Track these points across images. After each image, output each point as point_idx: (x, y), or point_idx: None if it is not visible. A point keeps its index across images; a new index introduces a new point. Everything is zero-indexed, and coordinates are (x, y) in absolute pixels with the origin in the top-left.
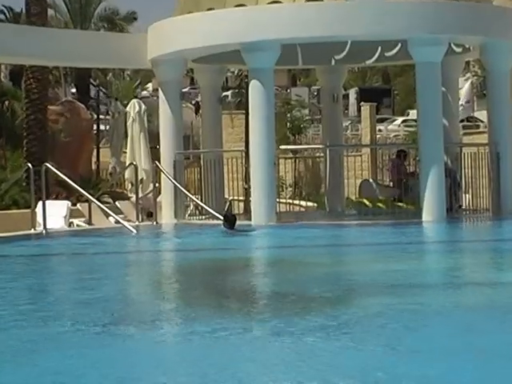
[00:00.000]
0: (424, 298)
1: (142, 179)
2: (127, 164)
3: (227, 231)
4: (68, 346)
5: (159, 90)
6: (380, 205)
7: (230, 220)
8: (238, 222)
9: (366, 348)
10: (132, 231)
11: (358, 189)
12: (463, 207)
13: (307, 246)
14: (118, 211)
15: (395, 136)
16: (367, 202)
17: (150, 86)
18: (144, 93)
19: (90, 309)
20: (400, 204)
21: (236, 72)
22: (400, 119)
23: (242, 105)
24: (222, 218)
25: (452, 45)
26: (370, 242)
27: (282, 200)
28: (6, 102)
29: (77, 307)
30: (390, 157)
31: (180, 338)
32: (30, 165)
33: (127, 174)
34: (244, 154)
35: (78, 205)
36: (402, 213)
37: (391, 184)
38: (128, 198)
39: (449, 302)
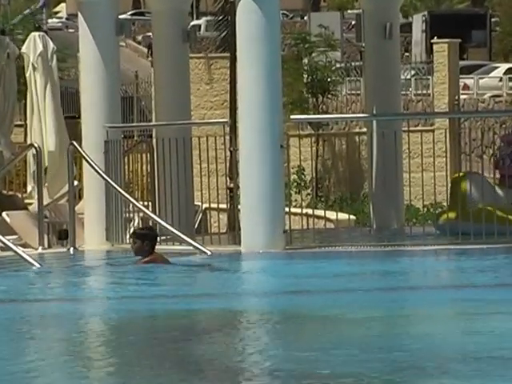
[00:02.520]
0: None
1: (48, 172)
2: (24, 146)
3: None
4: None
5: (79, 16)
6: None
7: (148, 239)
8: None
9: None
10: (33, 264)
11: (453, 188)
12: None
13: (336, 291)
14: (6, 229)
15: (493, 97)
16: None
17: (62, 8)
18: (52, 21)
19: None
20: None
21: None
22: (502, 67)
23: (226, 44)
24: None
25: None
26: (445, 284)
27: (294, 210)
28: None
29: None
30: (496, 133)
31: None
32: None
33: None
34: (229, 129)
35: None
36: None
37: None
38: (25, 207)
39: None
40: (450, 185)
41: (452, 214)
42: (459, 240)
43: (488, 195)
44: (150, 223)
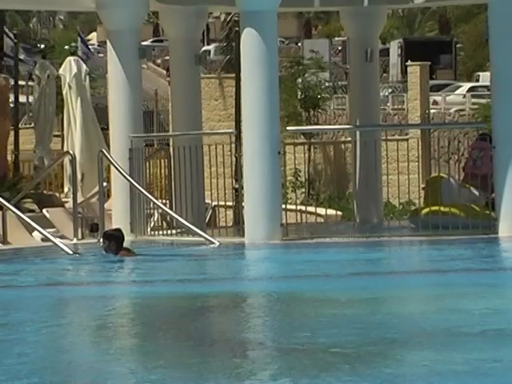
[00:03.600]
0: (498, 351)
1: (82, 176)
2: (61, 153)
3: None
4: None
5: (108, 43)
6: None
7: (115, 238)
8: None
9: None
10: (68, 253)
11: (427, 189)
12: None
13: (326, 276)
14: (46, 223)
15: (458, 111)
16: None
17: (93, 37)
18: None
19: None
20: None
21: (223, 18)
22: (465, 86)
23: (231, 66)
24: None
25: None
26: (419, 269)
27: (289, 206)
28: None
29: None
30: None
31: None
32: None
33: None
34: (234, 139)
35: None
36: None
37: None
38: (62, 204)
39: None
40: (425, 185)
41: (426, 210)
42: (430, 232)
43: (457, 195)
44: (168, 218)
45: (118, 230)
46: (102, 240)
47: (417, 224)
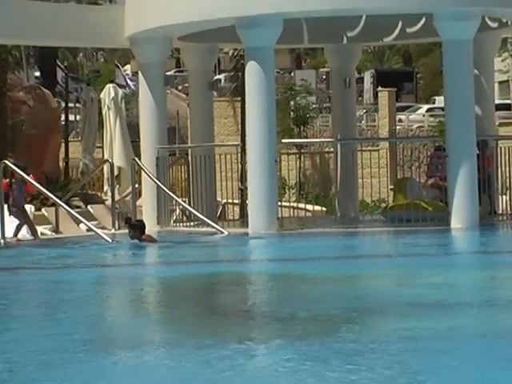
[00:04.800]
0: (450, 320)
1: (118, 179)
2: (102, 161)
3: (136, 241)
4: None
5: (139, 73)
6: (431, 208)
7: (137, 227)
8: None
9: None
10: (107, 241)
11: (396, 188)
12: (498, 212)
13: (313, 258)
14: (90, 217)
15: (419, 127)
16: (425, 205)
17: (128, 68)
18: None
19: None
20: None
21: (231, 53)
22: (424, 107)
23: (239, 91)
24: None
25: (486, 19)
26: (387, 254)
27: (284, 203)
28: None
29: (58, 327)
30: (420, 151)
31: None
32: None
33: (103, 172)
34: (240, 149)
35: (43, 210)
36: (429, 219)
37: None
38: (102, 202)
39: (479, 325)
40: (393, 186)
41: (394, 206)
42: (397, 223)
43: (418, 192)
44: (187, 213)
45: (140, 221)
46: (128, 229)
47: (387, 218)
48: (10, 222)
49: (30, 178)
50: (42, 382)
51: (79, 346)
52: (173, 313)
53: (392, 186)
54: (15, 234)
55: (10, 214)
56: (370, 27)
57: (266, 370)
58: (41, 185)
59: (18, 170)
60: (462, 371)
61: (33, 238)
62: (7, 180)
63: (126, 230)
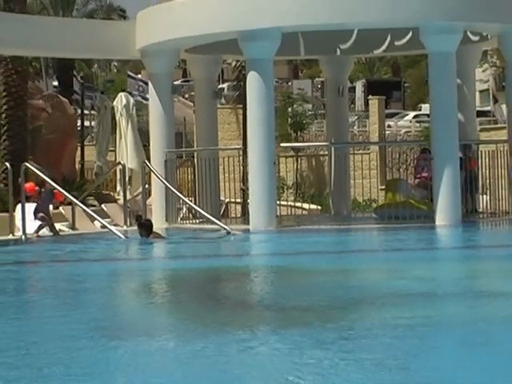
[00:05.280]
0: (434, 309)
1: (130, 180)
2: (115, 164)
3: (144, 239)
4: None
5: (149, 82)
6: (423, 206)
7: (145, 226)
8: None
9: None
10: (120, 237)
11: (387, 188)
12: (480, 210)
13: (309, 252)
14: (104, 215)
15: (406, 132)
16: (416, 204)
17: (139, 77)
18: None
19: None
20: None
21: (234, 63)
22: (411, 114)
23: (241, 99)
24: (138, 225)
25: (468, 33)
26: (377, 249)
27: (282, 202)
28: None
29: (65, 319)
30: (407, 154)
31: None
32: (8, 164)
33: (116, 174)
34: (241, 153)
35: (61, 208)
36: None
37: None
38: (115, 201)
39: (461, 314)
40: (385, 185)
41: (384, 205)
42: (387, 221)
43: (408, 192)
44: (193, 211)
45: (148, 220)
46: (137, 228)
47: (378, 216)
48: (31, 220)
49: (48, 179)
50: (59, 363)
51: (93, 331)
52: (178, 303)
53: (383, 187)
54: (36, 231)
55: (35, 219)
56: (361, 40)
57: (265, 353)
58: (59, 185)
59: (39, 173)
60: (444, 355)
61: (52, 234)
62: (36, 187)
63: (135, 228)
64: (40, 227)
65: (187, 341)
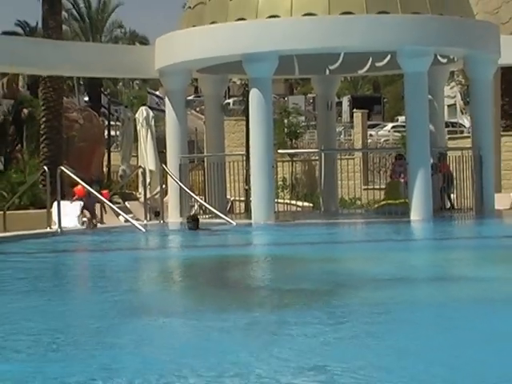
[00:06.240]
0: (409, 291)
1: (150, 181)
2: (136, 167)
3: (193, 230)
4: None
5: (166, 98)
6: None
7: (194, 220)
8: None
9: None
10: (140, 229)
11: (388, 189)
12: (447, 207)
13: (302, 243)
14: (127, 211)
15: (385, 141)
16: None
17: (157, 93)
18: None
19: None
20: None
21: (239, 82)
22: (390, 125)
23: (244, 112)
24: (187, 219)
25: (438, 56)
26: (359, 240)
27: (279, 200)
28: (25, 110)
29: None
30: (391, 160)
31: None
32: (46, 168)
33: (137, 176)
34: (245, 158)
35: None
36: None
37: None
38: (137, 199)
39: (432, 295)
40: (385, 186)
41: (385, 203)
42: (371, 216)
43: (403, 192)
44: (203, 207)
45: (196, 215)
46: (187, 221)
47: (380, 213)
48: (65, 215)
49: (80, 180)
50: (89, 338)
51: (117, 311)
52: (191, 287)
53: (365, 187)
54: (88, 225)
55: (80, 214)
56: (347, 62)
57: (265, 330)
58: (89, 186)
59: (73, 175)
60: (417, 330)
61: (84, 227)
62: (84, 190)
63: (156, 221)
64: (89, 221)
65: (198, 319)
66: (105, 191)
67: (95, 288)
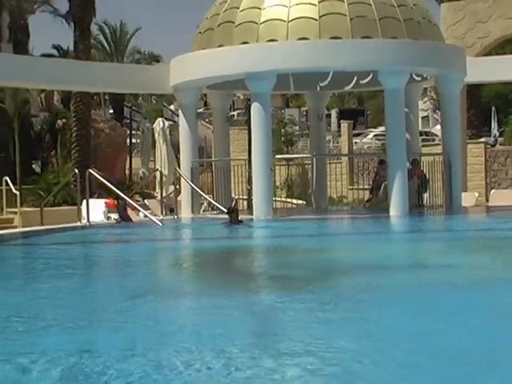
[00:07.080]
0: (388, 276)
1: (165, 182)
2: (154, 170)
3: (232, 224)
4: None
5: (179, 110)
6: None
7: (235, 213)
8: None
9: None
10: (158, 224)
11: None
12: (425, 204)
13: (297, 235)
14: (146, 208)
15: (368, 147)
16: None
17: (172, 107)
18: (168, 112)
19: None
20: None
21: (242, 96)
22: (372, 134)
23: (245, 122)
24: (226, 213)
25: (413, 75)
26: (347, 232)
27: (277, 199)
28: (59, 121)
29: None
30: (374, 164)
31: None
32: (76, 170)
33: (155, 177)
34: (247, 162)
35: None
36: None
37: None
38: (154, 197)
39: (408, 280)
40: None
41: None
42: (351, 212)
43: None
44: (211, 205)
45: (234, 208)
46: (229, 214)
47: (369, 210)
48: (93, 211)
49: (106, 181)
50: (107, 314)
51: (131, 293)
52: (200, 274)
53: (351, 187)
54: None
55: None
56: (335, 80)
57: (265, 310)
58: (113, 186)
59: (102, 178)
60: (394, 308)
61: (108, 221)
62: (115, 201)
63: (170, 216)
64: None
65: (204, 302)
66: (109, 201)
67: (117, 275)
